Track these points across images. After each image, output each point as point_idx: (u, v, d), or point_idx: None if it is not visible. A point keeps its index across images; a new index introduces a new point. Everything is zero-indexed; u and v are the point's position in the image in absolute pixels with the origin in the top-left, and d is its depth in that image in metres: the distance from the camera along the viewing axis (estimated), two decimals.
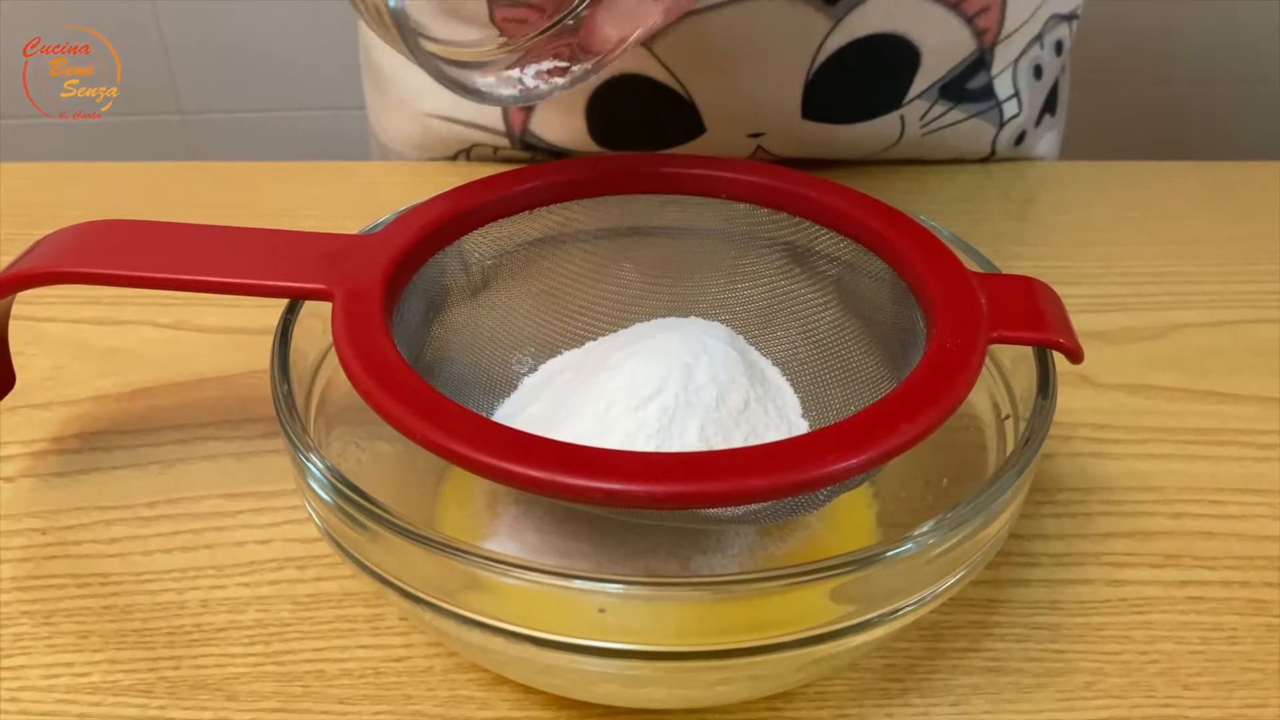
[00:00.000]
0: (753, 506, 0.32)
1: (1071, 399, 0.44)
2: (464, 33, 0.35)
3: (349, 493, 0.29)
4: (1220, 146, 1.20)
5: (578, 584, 0.27)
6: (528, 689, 0.34)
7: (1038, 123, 0.61)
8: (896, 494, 0.37)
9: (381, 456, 0.36)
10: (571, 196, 0.38)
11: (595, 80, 0.34)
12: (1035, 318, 0.33)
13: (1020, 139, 0.61)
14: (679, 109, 0.55)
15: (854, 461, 0.28)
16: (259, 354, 0.35)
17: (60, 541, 0.39)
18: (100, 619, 0.36)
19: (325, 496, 0.30)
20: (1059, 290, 0.35)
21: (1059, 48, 0.60)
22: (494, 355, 0.39)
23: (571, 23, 0.35)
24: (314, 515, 0.32)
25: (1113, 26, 1.11)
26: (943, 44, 0.54)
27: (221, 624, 0.36)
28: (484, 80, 0.33)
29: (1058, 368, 0.33)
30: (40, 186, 0.58)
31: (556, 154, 0.58)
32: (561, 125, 0.57)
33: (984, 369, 0.31)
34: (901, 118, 0.57)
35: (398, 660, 0.35)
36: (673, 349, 0.34)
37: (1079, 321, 0.34)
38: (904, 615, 0.29)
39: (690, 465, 0.28)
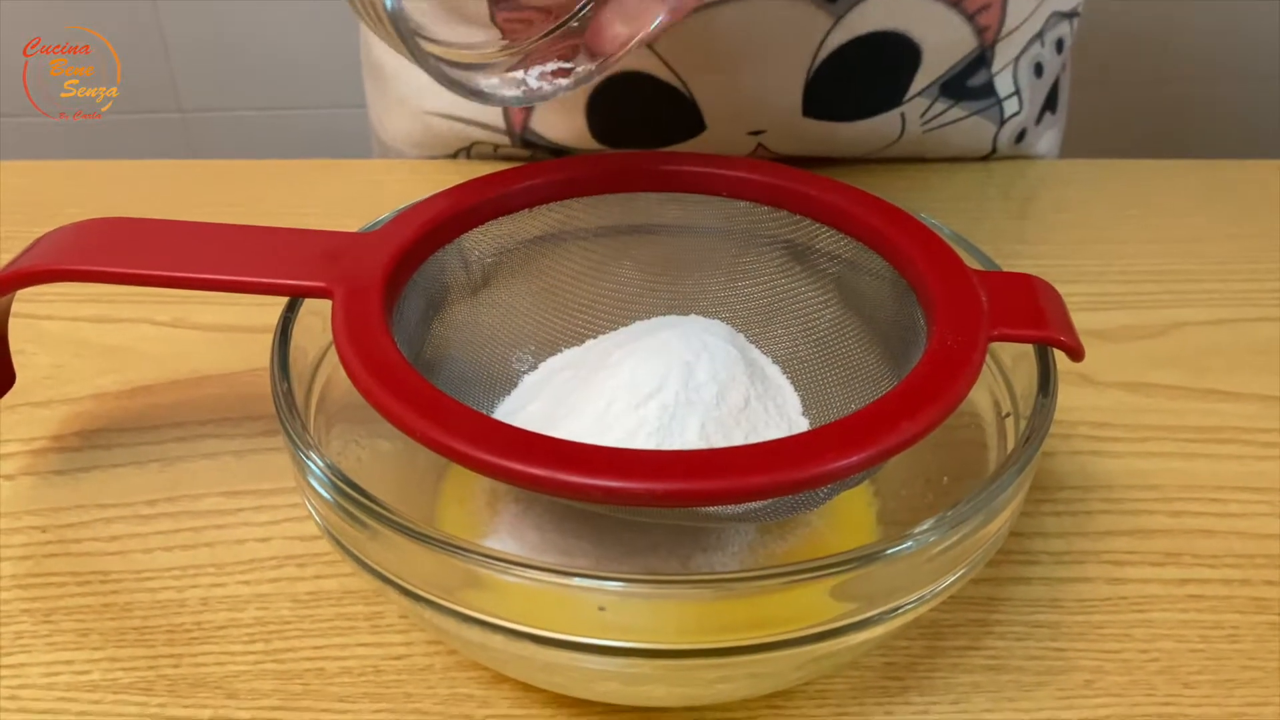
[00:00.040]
0: (753, 504, 0.32)
1: (1071, 397, 0.44)
2: (466, 34, 0.35)
3: (349, 490, 0.29)
4: (1220, 145, 1.19)
5: (578, 582, 0.27)
6: (528, 687, 0.34)
7: (1038, 121, 0.61)
8: (897, 492, 0.37)
9: (381, 454, 0.35)
10: (572, 194, 0.38)
11: (596, 78, 0.34)
12: (1036, 316, 0.33)
13: (1021, 137, 0.61)
14: (680, 107, 0.55)
15: (854, 459, 0.28)
16: (259, 352, 0.35)
17: (60, 539, 0.39)
18: (100, 617, 0.36)
19: (325, 494, 0.30)
20: (1059, 288, 0.35)
21: (1060, 45, 0.60)
22: (494, 353, 0.39)
23: (576, 24, 0.35)
24: (314, 513, 0.32)
25: (1113, 25, 1.11)
26: (943, 41, 0.54)
27: (221, 622, 0.36)
28: (487, 82, 0.33)
29: (1058, 366, 0.33)
30: (40, 184, 0.58)
31: (557, 152, 0.58)
32: (562, 123, 0.57)
33: (984, 367, 0.31)
34: (902, 115, 0.57)
35: (398, 658, 0.35)
36: (673, 347, 0.34)
37: (1079, 319, 0.34)
38: (904, 613, 0.29)
39: (690, 463, 0.28)
